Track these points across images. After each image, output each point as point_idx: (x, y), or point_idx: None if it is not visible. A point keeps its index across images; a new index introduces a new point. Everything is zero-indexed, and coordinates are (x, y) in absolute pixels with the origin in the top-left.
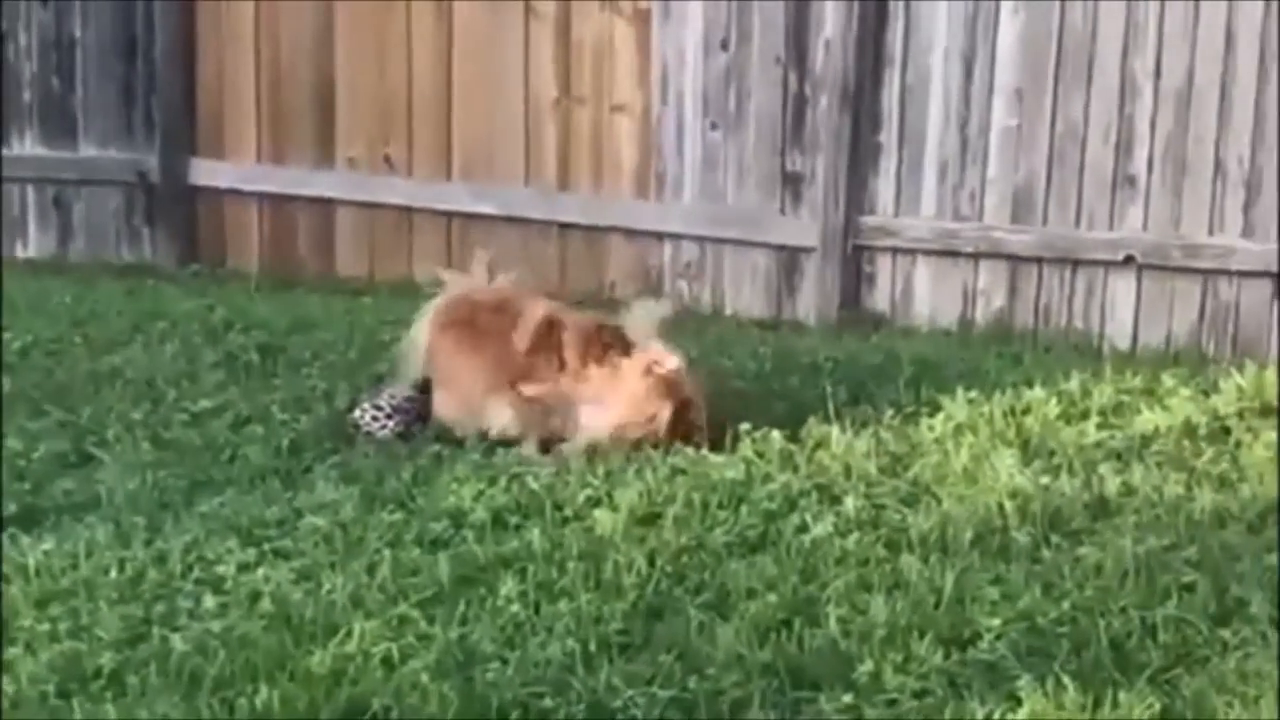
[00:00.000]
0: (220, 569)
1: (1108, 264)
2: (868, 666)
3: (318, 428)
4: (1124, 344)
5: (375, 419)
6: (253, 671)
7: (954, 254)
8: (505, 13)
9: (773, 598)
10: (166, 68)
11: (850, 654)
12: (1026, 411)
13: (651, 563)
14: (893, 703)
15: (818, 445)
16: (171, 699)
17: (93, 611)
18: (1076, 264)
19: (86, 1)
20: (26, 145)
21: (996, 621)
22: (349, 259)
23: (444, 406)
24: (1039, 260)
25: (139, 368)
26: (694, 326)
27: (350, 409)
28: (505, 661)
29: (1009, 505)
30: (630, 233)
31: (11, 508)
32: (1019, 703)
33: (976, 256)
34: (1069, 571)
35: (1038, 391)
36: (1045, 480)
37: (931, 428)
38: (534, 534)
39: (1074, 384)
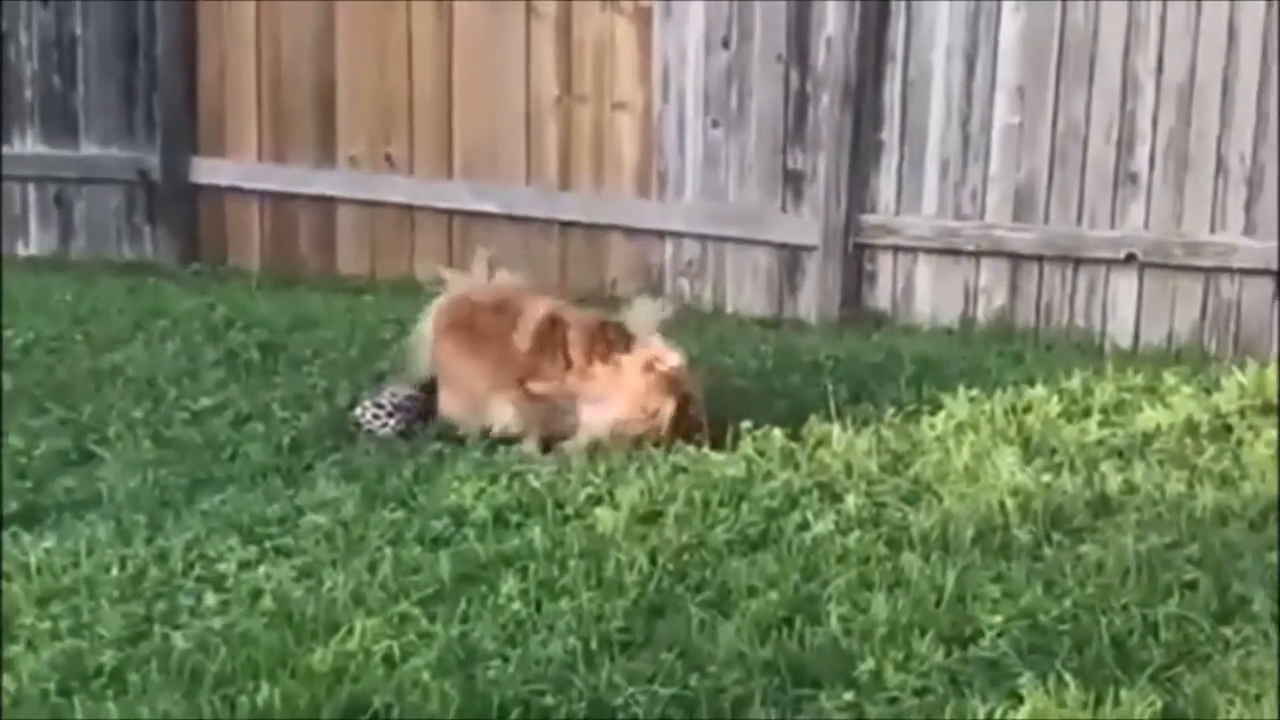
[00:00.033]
0: (221, 567)
1: (1109, 262)
2: (869, 664)
3: (319, 426)
4: (1125, 342)
5: (376, 417)
6: (254, 669)
7: (955, 252)
8: (506, 11)
9: (774, 595)
10: (168, 66)
11: (851, 652)
12: (1028, 409)
13: (653, 561)
14: (894, 700)
15: (819, 443)
16: (173, 696)
17: (94, 609)
18: (1078, 262)
19: (87, 0)
20: (28, 144)
21: (998, 619)
22: (350, 257)
23: (449, 406)
24: (1040, 258)
25: (140, 365)
26: (695, 325)
27: (351, 407)
28: (506, 659)
29: (1010, 503)
30: (631, 231)
31: (13, 505)
32: (1020, 700)
33: (978, 255)
34: (1070, 569)
35: (1039, 389)
36: (1047, 478)
37: (933, 426)
38: (535, 532)
39: (1075, 382)
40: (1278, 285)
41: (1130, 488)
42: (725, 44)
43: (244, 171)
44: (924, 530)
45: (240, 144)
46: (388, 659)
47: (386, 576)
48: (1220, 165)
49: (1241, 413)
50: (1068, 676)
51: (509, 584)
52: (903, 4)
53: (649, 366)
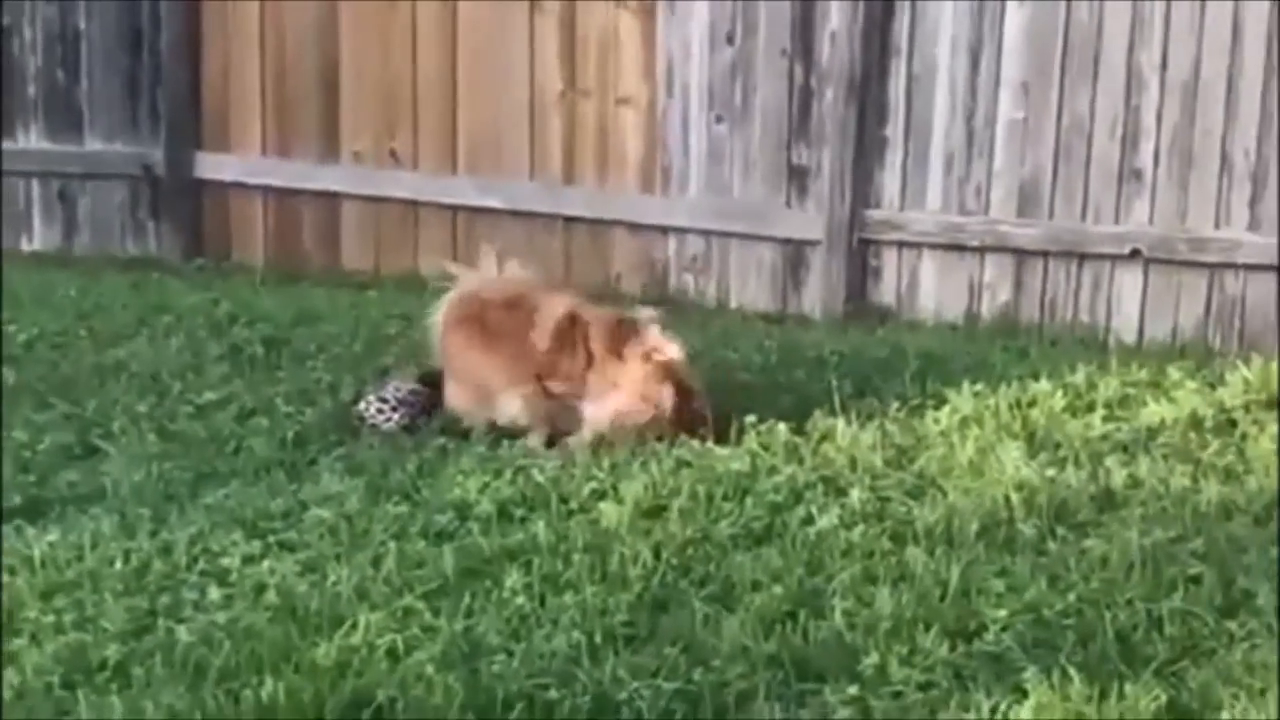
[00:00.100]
0: (225, 561)
1: (1114, 257)
2: (873, 659)
3: (323, 420)
4: (1130, 337)
5: (380, 411)
6: (258, 663)
7: (960, 247)
8: (510, 6)
9: (778, 590)
10: (172, 61)
11: (855, 646)
12: (1032, 404)
13: (657, 555)
14: (898, 695)
15: (823, 438)
16: (176, 690)
17: (98, 603)
18: (1082, 257)
19: None
20: (32, 139)
21: (1002, 613)
22: (354, 252)
23: (456, 400)
24: (1045, 254)
25: (144, 360)
26: (699, 320)
27: (355, 401)
28: (510, 653)
29: (1015, 497)
30: (635, 226)
31: (17, 499)
32: (1024, 695)
33: (982, 250)
34: (1075, 564)
35: (1044, 384)
36: (1051, 473)
37: (937, 420)
38: (539, 526)
39: (1080, 377)
40: None
41: (1135, 482)
42: (729, 39)
43: (248, 167)
44: (928, 525)
45: (244, 139)
46: (391, 653)
47: (390, 571)
48: (1225, 161)
49: (1246, 407)
50: (1072, 671)
51: (513, 578)
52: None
53: (647, 356)
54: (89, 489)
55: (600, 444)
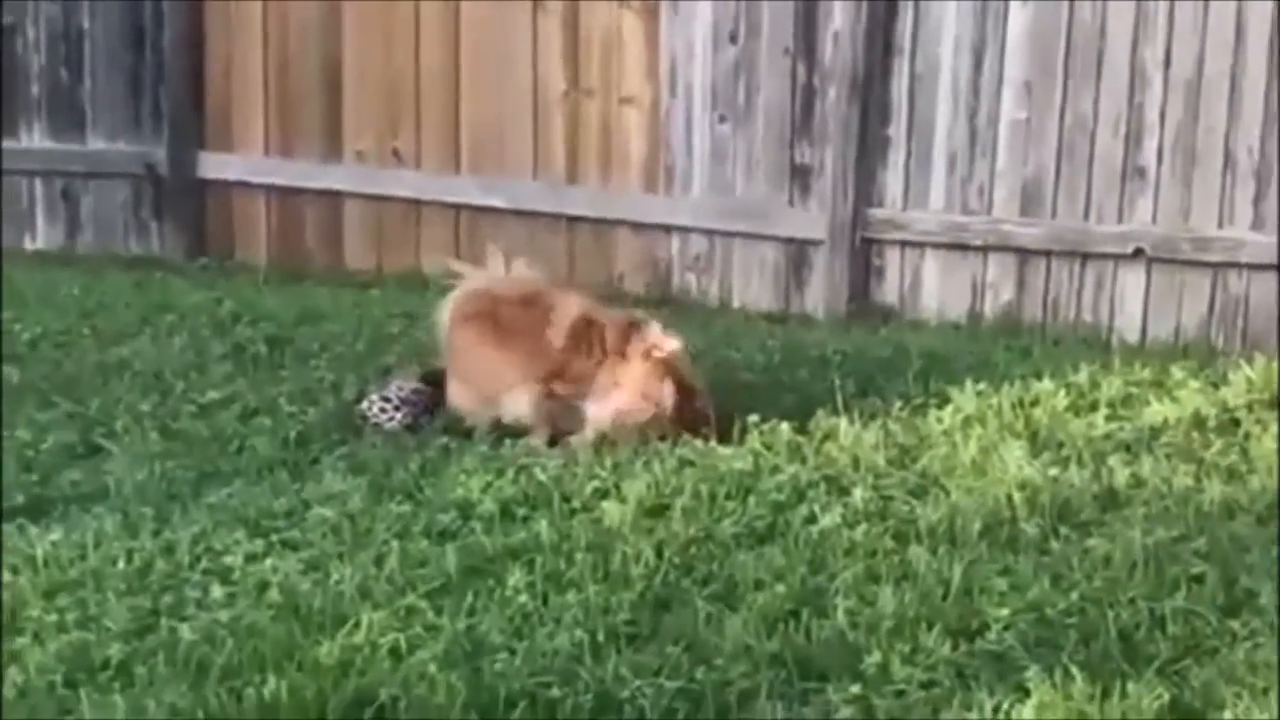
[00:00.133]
0: (228, 559)
1: (1117, 257)
2: (876, 657)
3: (325, 419)
4: (1133, 337)
5: (383, 410)
6: (261, 662)
7: (963, 247)
8: (513, 5)
9: (781, 589)
10: (175, 60)
11: (858, 645)
12: (1035, 403)
13: (659, 554)
14: (901, 693)
15: (826, 437)
16: (179, 689)
17: (101, 602)
18: (1085, 257)
19: None
20: (35, 138)
21: (1005, 612)
22: (357, 251)
23: (459, 397)
24: (1048, 253)
25: (147, 359)
26: (702, 319)
27: (358, 400)
28: (513, 652)
29: (1017, 497)
30: (638, 226)
31: (20, 498)
32: (1027, 694)
33: (985, 249)
34: (1077, 563)
35: (1046, 384)
36: (1054, 472)
37: (940, 420)
38: (542, 525)
39: (1083, 376)
40: None
41: (1137, 481)
42: (733, 39)
43: (251, 166)
44: (931, 524)
45: (247, 138)
46: (394, 651)
47: (393, 569)
48: (1228, 160)
49: (1249, 407)
50: (1074, 670)
51: (516, 577)
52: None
53: (647, 354)
54: (92, 488)
55: (602, 443)
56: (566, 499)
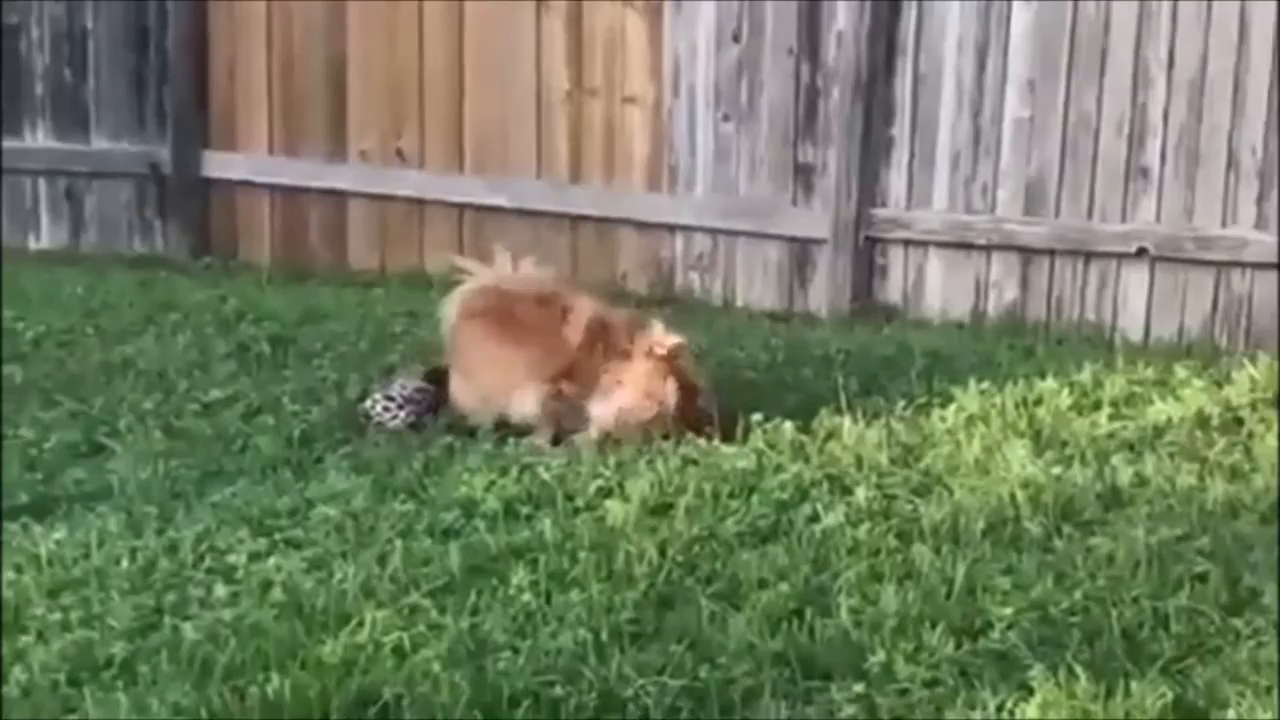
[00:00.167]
0: (232, 558)
1: (1120, 256)
2: (879, 656)
3: (329, 418)
4: (1136, 336)
5: (387, 409)
6: (264, 660)
7: (966, 246)
8: (517, 5)
9: (784, 587)
10: (178, 60)
11: (862, 644)
12: (1039, 402)
13: (663, 553)
14: (904, 692)
15: (829, 436)
16: (183, 687)
17: (104, 600)
18: (1089, 256)
19: None
20: (39, 137)
21: (1008, 611)
22: (361, 251)
23: (465, 394)
24: (1051, 252)
25: (151, 358)
26: (706, 318)
27: (361, 399)
28: (516, 651)
29: (1021, 496)
30: (642, 225)
31: (24, 497)
32: (1031, 692)
33: (989, 249)
34: (1081, 561)
35: (1050, 383)
36: (1057, 471)
37: (943, 419)
38: (545, 524)
39: (1086, 375)
40: None
41: (1141, 480)
42: (736, 38)
43: (255, 165)
44: (934, 523)
45: (251, 138)
46: (398, 650)
47: (397, 568)
48: (1231, 159)
49: (1252, 406)
50: (1078, 668)
51: (519, 576)
52: None
53: (650, 352)
54: (96, 487)
55: (606, 442)
56: (570, 498)
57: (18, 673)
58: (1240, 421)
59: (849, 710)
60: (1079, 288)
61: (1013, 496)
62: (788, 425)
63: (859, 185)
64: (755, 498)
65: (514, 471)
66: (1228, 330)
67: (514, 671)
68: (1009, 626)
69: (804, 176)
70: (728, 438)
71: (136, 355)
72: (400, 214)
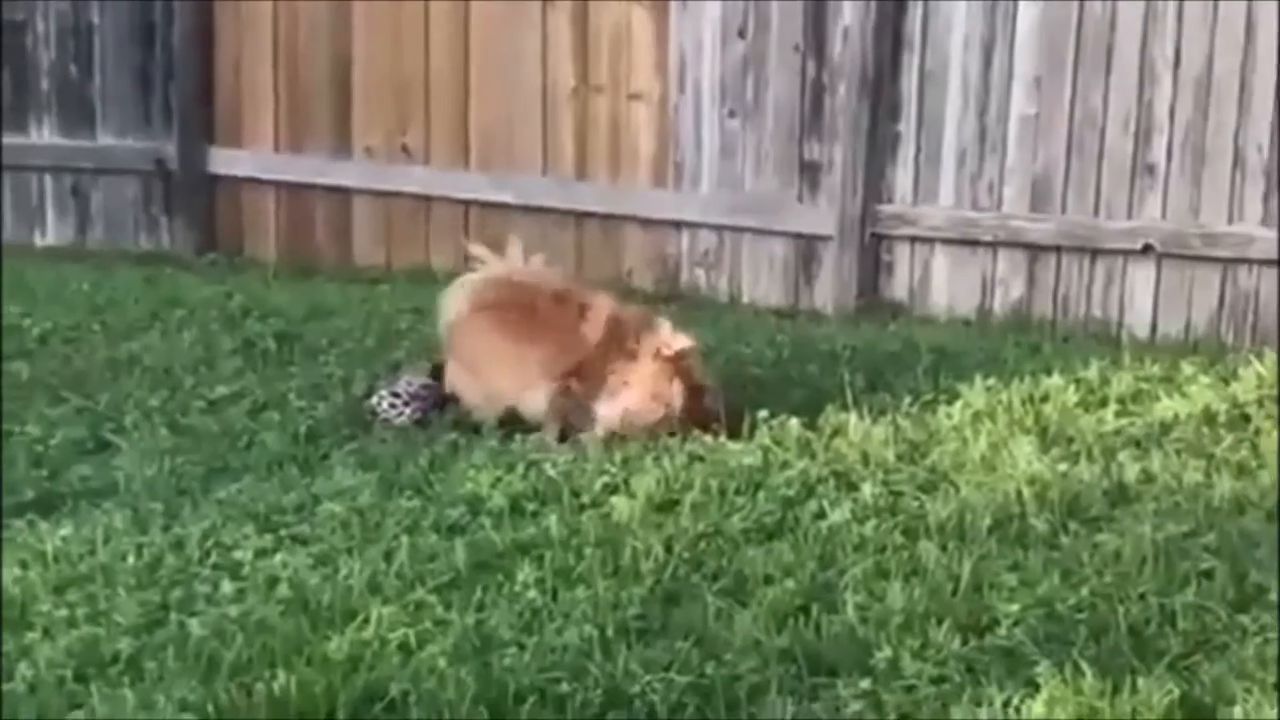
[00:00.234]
0: (238, 555)
1: (1127, 253)
2: (885, 653)
3: (335, 415)
4: (1143, 333)
5: (393, 406)
6: (270, 656)
7: (972, 243)
8: (523, 2)
9: (790, 584)
10: (184, 56)
11: (868, 640)
12: (1045, 399)
13: (669, 549)
14: (910, 689)
15: (835, 433)
16: (189, 683)
17: (110, 597)
18: (1095, 253)
19: None
20: (45, 134)
21: (1015, 608)
22: (366, 247)
23: (464, 386)
24: (1058, 249)
25: (157, 355)
26: (711, 315)
27: (367, 396)
28: (522, 647)
29: (1027, 492)
30: (648, 222)
31: (30, 494)
32: (1037, 689)
33: (995, 245)
34: (1088, 558)
35: (1056, 379)
36: (1064, 467)
37: (950, 415)
38: (551, 520)
39: (1093, 372)
40: None
41: (1147, 477)
42: (741, 34)
43: (260, 162)
44: (941, 519)
45: (257, 134)
46: (404, 646)
47: (403, 564)
48: (1237, 156)
49: (1259, 402)
50: (1085, 665)
51: (525, 572)
52: None
53: (657, 353)
54: (101, 483)
55: (612, 440)
56: (576, 494)
57: (24, 669)
58: (1247, 418)
59: (855, 707)
60: (1085, 284)
61: (1019, 493)
62: (794, 422)
63: (865, 182)
64: (761, 494)
65: (520, 468)
66: (1234, 327)
67: (520, 668)
68: (1015, 623)
69: (810, 173)
70: (734, 434)
71: (142, 352)
72: (405, 210)
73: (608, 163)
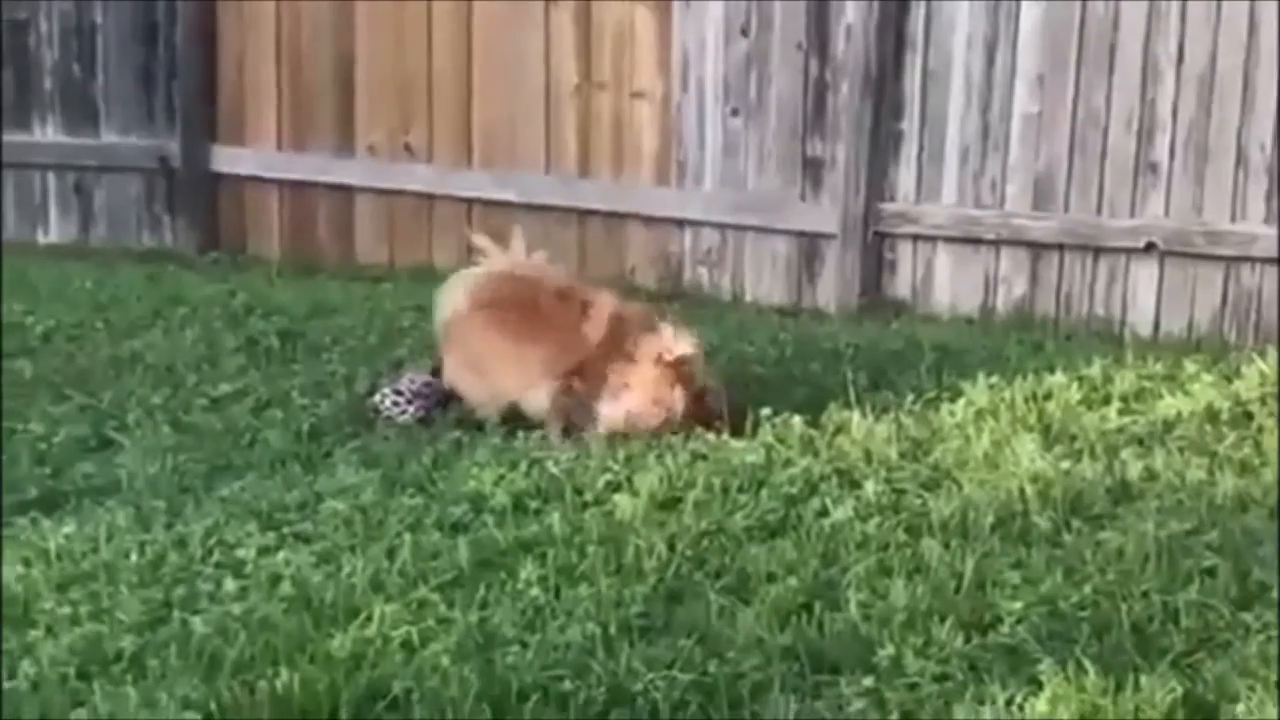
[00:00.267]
0: (241, 552)
1: (1129, 251)
2: (888, 650)
3: (338, 412)
4: (1146, 331)
5: (395, 404)
6: (273, 654)
7: (975, 241)
8: (526, 1)
9: (793, 582)
10: (187, 54)
11: (871, 638)
12: (1048, 397)
13: (671, 547)
14: (913, 686)
15: (838, 430)
16: (192, 681)
17: (113, 595)
18: (1098, 251)
19: None
20: (48, 132)
21: (1017, 606)
22: (369, 246)
23: (464, 381)
24: (1060, 247)
25: (160, 353)
26: (714, 313)
27: (370, 394)
28: (525, 645)
29: (1030, 490)
30: (650, 219)
31: (33, 492)
32: (1040, 686)
33: (998, 243)
34: (1090, 556)
35: (1059, 377)
36: (1066, 465)
37: (952, 413)
38: (554, 518)
39: (1096, 370)
40: None
41: (1150, 475)
42: (744, 32)
43: (263, 160)
44: (943, 517)
45: (260, 132)
46: (407, 644)
47: (405, 562)
48: (1240, 155)
49: (1262, 400)
50: (1087, 663)
51: (528, 570)
52: None
53: (659, 358)
54: (104, 481)
55: (614, 439)
56: (579, 492)
57: (26, 666)
58: (1250, 416)
59: (858, 704)
60: (1088, 283)
61: (1022, 491)
62: (796, 420)
63: (868, 180)
64: (764, 492)
65: (523, 466)
66: (1237, 325)
67: (523, 666)
68: (1018, 621)
69: (812, 171)
70: (736, 432)
71: (145, 350)
72: (408, 209)
73: (610, 161)
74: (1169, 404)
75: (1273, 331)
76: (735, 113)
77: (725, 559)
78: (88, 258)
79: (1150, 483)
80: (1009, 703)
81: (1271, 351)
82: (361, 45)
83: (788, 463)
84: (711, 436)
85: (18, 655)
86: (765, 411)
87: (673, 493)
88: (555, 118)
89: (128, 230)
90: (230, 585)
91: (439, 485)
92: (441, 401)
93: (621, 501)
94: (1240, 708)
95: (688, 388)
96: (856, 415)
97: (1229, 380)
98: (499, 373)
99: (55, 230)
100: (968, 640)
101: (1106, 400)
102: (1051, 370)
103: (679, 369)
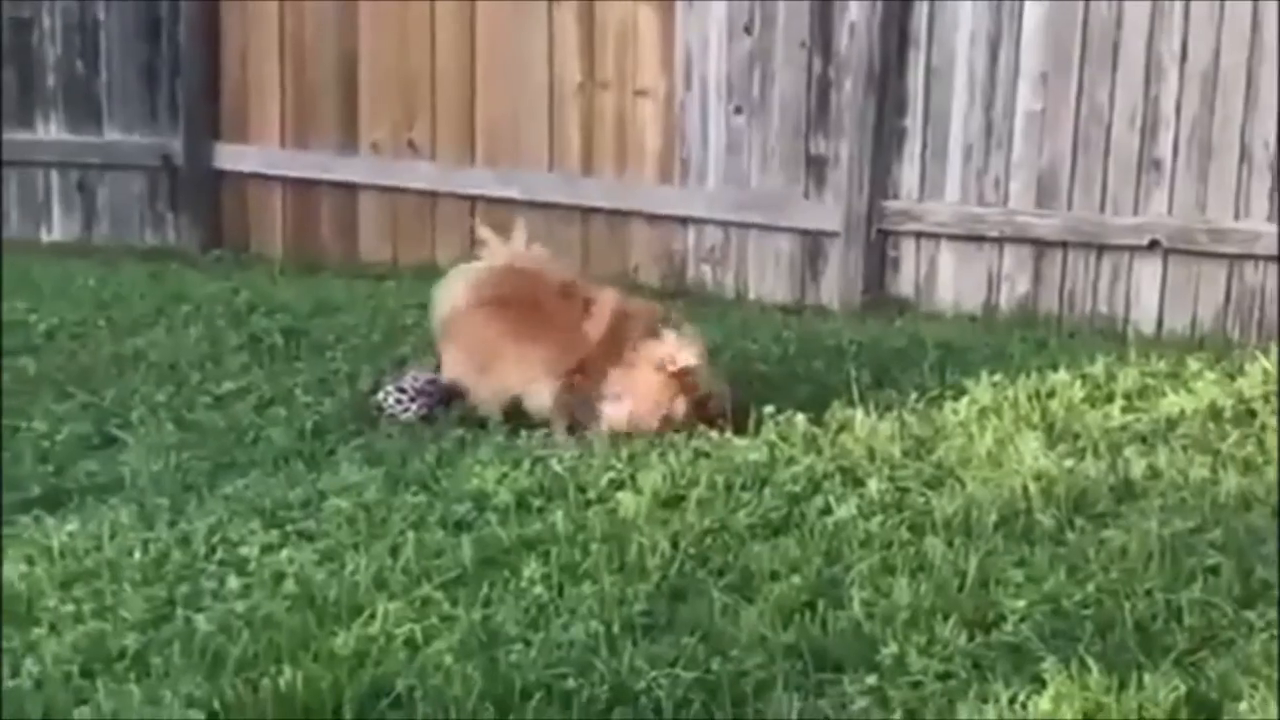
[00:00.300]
0: (244, 550)
1: (1133, 248)
2: (892, 648)
3: (341, 410)
4: (1149, 328)
5: (399, 401)
6: (276, 652)
7: (978, 238)
8: None
9: (796, 580)
10: (190, 52)
11: (874, 636)
12: (1051, 395)
13: (675, 545)
14: (917, 684)
15: (841, 428)
16: (195, 679)
17: (117, 592)
18: (1101, 248)
19: None
20: (51, 130)
21: (1021, 604)
22: (372, 243)
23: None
24: (1064, 245)
25: (163, 350)
26: (717, 311)
27: (374, 392)
28: (528, 643)
29: (1033, 488)
30: (654, 217)
31: (36, 489)
32: (1043, 685)
33: (1001, 241)
34: (1094, 554)
35: (1062, 375)
36: (1070, 463)
37: (956, 411)
38: (557, 516)
39: (1099, 368)
40: None
41: (1154, 473)
42: (748, 30)
43: (266, 157)
44: (947, 515)
45: (263, 130)
46: (410, 642)
47: (409, 560)
48: (1244, 152)
49: (1266, 398)
50: (1090, 661)
51: (531, 568)
52: None
53: (660, 366)
54: (108, 479)
55: (617, 437)
56: (582, 490)
57: (30, 664)
58: (1253, 414)
59: (861, 702)
60: (1091, 280)
61: (1025, 489)
62: (800, 417)
63: (871, 178)
64: (767, 490)
65: (526, 464)
66: (1240, 323)
67: (526, 663)
68: (1021, 619)
69: (816, 169)
70: (740, 430)
71: (148, 347)
72: (412, 206)
73: (614, 159)
74: (1172, 402)
75: (1276, 329)
76: (738, 110)
77: (728, 557)
78: (91, 255)
79: (1153, 481)
80: (1012, 701)
81: (1275, 349)
82: (365, 42)
83: (791, 461)
84: (714, 434)
85: (21, 653)
86: (768, 409)
87: (676, 491)
88: (559, 115)
89: (131, 228)
90: (234, 583)
91: (442, 483)
92: (445, 399)
93: (625, 499)
94: (1243, 706)
95: (690, 395)
96: (860, 413)
97: (1232, 378)
98: (501, 371)
99: (58, 228)
100: (971, 638)
101: (1110, 398)
102: (1055, 368)
103: (682, 379)
